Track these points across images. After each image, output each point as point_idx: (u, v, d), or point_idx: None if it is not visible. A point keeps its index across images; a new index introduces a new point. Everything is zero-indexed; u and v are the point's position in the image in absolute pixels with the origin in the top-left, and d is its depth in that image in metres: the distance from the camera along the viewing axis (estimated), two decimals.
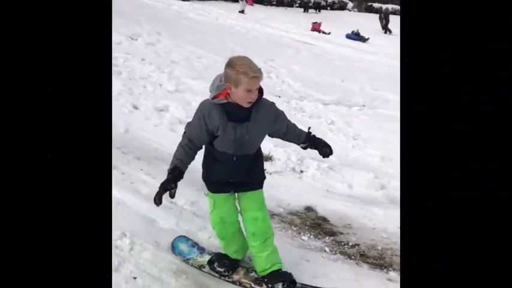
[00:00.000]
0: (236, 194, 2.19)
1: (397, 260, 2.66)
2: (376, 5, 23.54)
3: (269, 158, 3.97)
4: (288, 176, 3.82)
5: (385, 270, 2.54)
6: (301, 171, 3.90)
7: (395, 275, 2.48)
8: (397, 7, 17.94)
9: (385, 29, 16.10)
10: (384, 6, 15.88)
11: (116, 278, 2.02)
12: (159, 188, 1.97)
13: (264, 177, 2.22)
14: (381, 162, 4.71)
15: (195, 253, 2.33)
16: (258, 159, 2.15)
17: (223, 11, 15.38)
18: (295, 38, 12.13)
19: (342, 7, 25.29)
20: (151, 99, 4.90)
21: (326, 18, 15.87)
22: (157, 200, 1.96)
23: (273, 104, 2.09)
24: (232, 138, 1.99)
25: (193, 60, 6.88)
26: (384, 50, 12.70)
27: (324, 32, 13.67)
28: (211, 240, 2.49)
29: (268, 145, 4.31)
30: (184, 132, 2.06)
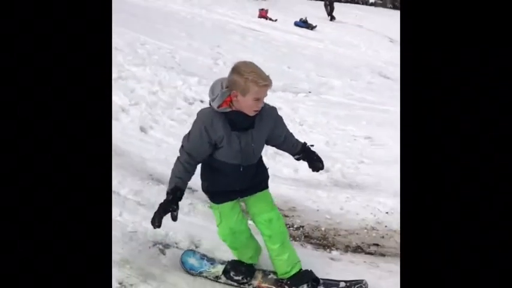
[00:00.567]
0: (242, 199, 2.11)
1: (339, 239, 2.78)
2: None
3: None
4: None
5: (328, 250, 2.64)
6: None
7: (337, 254, 2.59)
8: None
9: (330, 16, 16.42)
10: None
11: None
12: (159, 209, 1.83)
13: (268, 176, 2.15)
14: (326, 146, 4.84)
15: (206, 265, 2.24)
16: (261, 160, 2.09)
17: None
18: (241, 24, 12.05)
19: None
20: None
21: (273, 5, 15.86)
22: (157, 223, 1.81)
23: (274, 108, 2.00)
24: (238, 149, 1.90)
25: (136, 47, 6.66)
26: (329, 37, 12.93)
27: (270, 19, 13.69)
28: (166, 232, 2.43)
29: None
30: (182, 147, 1.91)
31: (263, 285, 2.17)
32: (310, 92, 7.10)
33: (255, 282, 2.17)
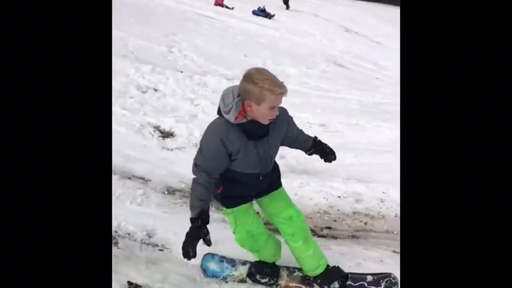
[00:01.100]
0: (255, 200, 2.06)
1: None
2: None
3: (170, 134, 3.91)
4: (191, 151, 3.80)
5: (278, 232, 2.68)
6: None
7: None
8: None
9: (286, 4, 16.52)
10: None
11: None
12: (189, 238, 1.71)
13: (280, 173, 2.11)
14: None
15: (228, 268, 2.18)
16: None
17: None
18: (197, 11, 11.88)
19: None
20: None
21: None
22: (192, 253, 1.69)
23: (285, 110, 1.93)
24: (257, 158, 1.83)
25: None
26: (286, 25, 13.00)
27: (227, 7, 13.58)
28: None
29: (169, 121, 4.23)
30: (196, 165, 1.79)
31: (291, 284, 2.14)
32: None
33: (282, 282, 2.14)
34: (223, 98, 1.75)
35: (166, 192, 3.09)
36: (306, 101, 6.34)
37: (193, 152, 3.92)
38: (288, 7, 16.36)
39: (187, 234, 1.73)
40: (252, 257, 2.22)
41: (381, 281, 2.05)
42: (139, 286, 2.09)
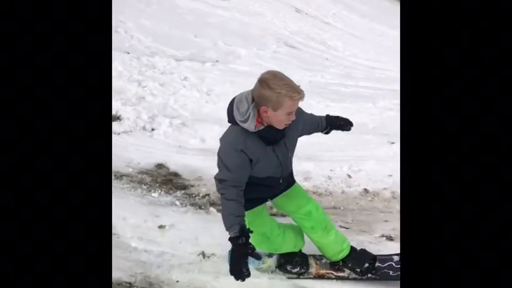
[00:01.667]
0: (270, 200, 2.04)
1: None
2: None
3: (117, 118, 3.79)
4: (138, 135, 3.74)
5: None
6: (153, 129, 3.84)
7: None
8: None
9: None
10: None
11: None
12: (237, 258, 1.66)
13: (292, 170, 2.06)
14: None
15: (255, 262, 2.07)
16: None
17: None
18: None
19: None
20: None
21: None
22: (246, 272, 1.63)
23: (298, 108, 1.86)
24: (277, 163, 1.81)
25: None
26: (236, 5, 12.85)
27: None
28: None
29: (116, 104, 4.10)
30: (222, 182, 1.72)
31: (321, 271, 2.13)
32: (217, 61, 7.05)
33: (312, 270, 2.14)
34: (237, 106, 1.69)
35: (113, 178, 3.01)
36: None
37: (140, 136, 3.84)
38: None
39: (234, 254, 1.68)
40: None
41: None
42: None
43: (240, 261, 1.64)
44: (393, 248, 2.40)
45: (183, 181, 3.10)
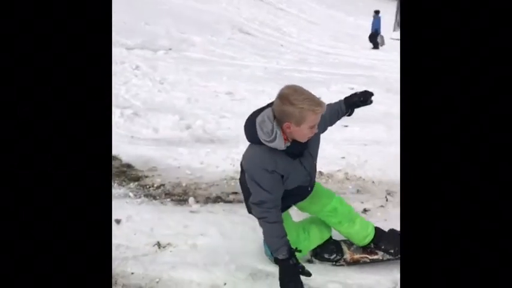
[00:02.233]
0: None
1: (200, 192, 2.84)
2: None
3: None
4: None
5: (188, 203, 2.68)
6: None
7: (197, 207, 2.64)
8: None
9: None
10: None
11: None
12: (290, 280, 1.68)
13: None
14: (187, 104, 4.82)
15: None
16: None
17: None
18: None
19: None
20: None
21: None
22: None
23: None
24: (305, 173, 1.81)
25: None
26: None
27: None
28: None
29: None
30: (260, 205, 1.71)
31: (356, 256, 2.12)
32: (170, 49, 6.91)
33: (347, 256, 2.13)
34: (260, 127, 1.65)
35: None
36: (212, 69, 6.28)
37: None
38: None
39: (285, 275, 1.70)
40: None
41: None
42: None
43: (295, 282, 1.69)
44: None
45: (137, 172, 3.04)
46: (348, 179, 3.17)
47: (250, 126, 1.70)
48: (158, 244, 2.24)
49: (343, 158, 3.46)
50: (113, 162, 3.11)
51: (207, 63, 6.48)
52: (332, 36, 13.24)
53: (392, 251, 2.06)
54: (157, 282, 1.98)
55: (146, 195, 2.73)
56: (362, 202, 2.77)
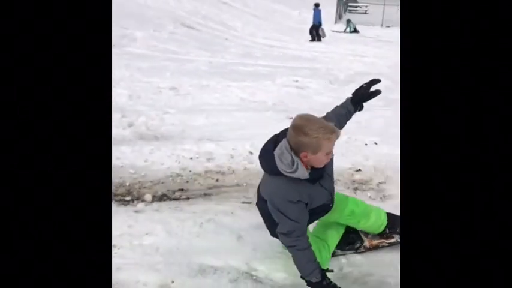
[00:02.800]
0: None
1: (145, 191, 2.77)
2: None
3: None
4: None
5: (133, 203, 2.61)
6: None
7: (142, 206, 2.58)
8: None
9: None
10: None
11: None
12: None
13: None
14: (129, 100, 4.69)
15: None
16: None
17: None
18: None
19: None
20: None
21: None
22: None
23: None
24: (326, 193, 1.87)
25: None
26: None
27: None
28: None
29: None
30: (289, 235, 1.75)
31: (374, 242, 2.21)
32: (114, 45, 6.67)
33: (366, 243, 2.20)
34: (280, 159, 1.68)
35: None
36: (155, 64, 6.16)
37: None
38: None
39: None
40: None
41: None
42: None
43: None
44: None
45: None
46: None
47: (268, 158, 1.74)
48: None
49: None
50: None
51: (150, 59, 6.34)
52: (276, 30, 13.38)
53: None
54: None
55: None
56: None
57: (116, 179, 2.90)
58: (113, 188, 2.78)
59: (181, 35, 8.26)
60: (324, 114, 1.97)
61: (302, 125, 1.64)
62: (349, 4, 25.81)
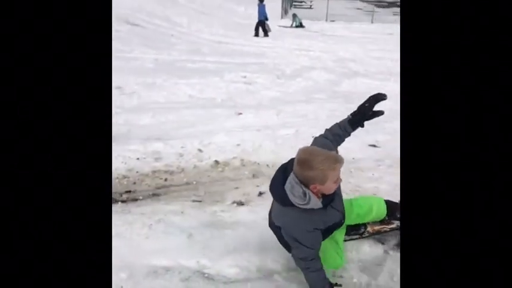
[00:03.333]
0: None
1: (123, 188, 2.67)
2: None
3: None
4: None
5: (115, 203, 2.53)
6: None
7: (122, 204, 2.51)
8: None
9: None
10: None
11: None
12: None
13: None
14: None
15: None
16: None
17: None
18: None
19: None
20: None
21: None
22: None
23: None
24: (339, 214, 1.92)
25: None
26: None
27: None
28: None
29: None
30: (304, 260, 1.84)
31: (376, 228, 2.34)
32: None
33: (369, 229, 2.33)
34: (292, 192, 1.71)
35: None
36: None
37: None
38: None
39: None
40: None
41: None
42: None
43: None
44: (244, 211, 2.53)
45: None
46: (243, 165, 3.24)
47: (279, 191, 1.76)
48: None
49: (239, 145, 3.52)
50: None
51: None
52: (223, 26, 13.33)
53: None
54: None
55: None
56: (257, 186, 2.86)
57: None
58: None
59: (126, 32, 8.03)
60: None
61: (306, 159, 1.67)
62: None
